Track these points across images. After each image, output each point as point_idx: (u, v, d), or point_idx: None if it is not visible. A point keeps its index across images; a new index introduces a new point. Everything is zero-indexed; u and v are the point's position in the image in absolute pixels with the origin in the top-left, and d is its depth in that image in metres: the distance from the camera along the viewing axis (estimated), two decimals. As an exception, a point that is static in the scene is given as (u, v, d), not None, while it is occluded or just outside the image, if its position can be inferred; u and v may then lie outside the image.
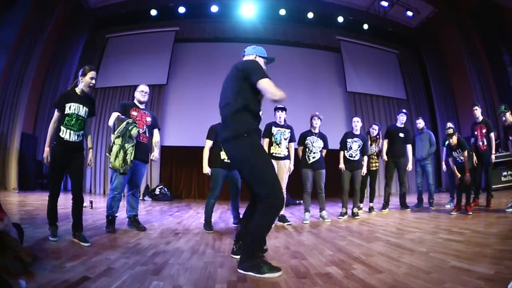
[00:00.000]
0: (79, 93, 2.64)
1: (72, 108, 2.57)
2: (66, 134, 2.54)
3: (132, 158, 2.98)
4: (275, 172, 2.04)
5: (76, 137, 2.59)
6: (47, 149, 2.53)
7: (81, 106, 2.61)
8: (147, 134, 3.32)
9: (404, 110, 5.23)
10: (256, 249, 1.93)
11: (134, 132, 2.98)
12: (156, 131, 3.49)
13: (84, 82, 2.62)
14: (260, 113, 2.11)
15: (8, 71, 6.67)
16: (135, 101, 3.36)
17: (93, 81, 2.65)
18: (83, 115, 2.64)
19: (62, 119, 2.55)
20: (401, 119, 5.05)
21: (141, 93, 3.35)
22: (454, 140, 4.30)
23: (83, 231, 2.56)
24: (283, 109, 3.93)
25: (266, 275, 1.78)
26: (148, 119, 3.36)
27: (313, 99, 8.70)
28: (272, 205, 1.88)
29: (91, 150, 2.85)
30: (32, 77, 7.09)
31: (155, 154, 3.42)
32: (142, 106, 3.37)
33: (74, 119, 2.57)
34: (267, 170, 1.94)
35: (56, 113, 2.57)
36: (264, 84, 1.89)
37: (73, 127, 2.56)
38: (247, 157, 1.94)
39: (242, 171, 2.05)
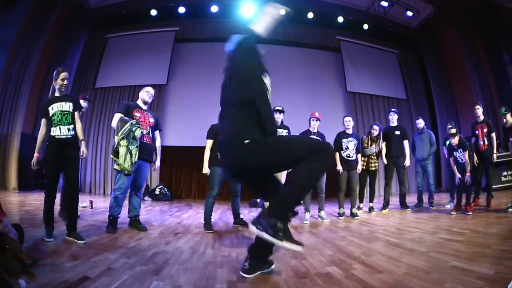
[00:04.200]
0: (58, 95, 2.67)
1: (54, 107, 2.60)
2: (56, 131, 2.55)
3: (136, 159, 3.00)
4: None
5: (66, 131, 2.59)
6: (36, 154, 2.58)
7: (63, 103, 2.63)
8: (150, 135, 3.34)
9: (393, 109, 5.36)
10: (290, 206, 1.62)
11: (138, 133, 2.99)
12: (158, 135, 3.50)
13: (58, 86, 2.66)
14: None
15: (8, 71, 6.67)
16: (139, 102, 3.37)
17: (65, 82, 2.66)
18: (68, 109, 2.64)
19: (49, 123, 2.59)
20: (392, 118, 5.13)
21: (148, 94, 3.37)
22: (456, 140, 4.30)
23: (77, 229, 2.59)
24: (281, 111, 4.03)
25: (285, 244, 1.51)
26: (151, 120, 3.38)
27: (313, 99, 8.70)
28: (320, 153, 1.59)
29: (83, 142, 2.79)
30: (32, 77, 7.09)
31: (157, 163, 3.44)
32: (145, 107, 3.38)
33: (59, 115, 2.59)
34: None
35: (42, 121, 2.63)
36: None
37: (61, 122, 2.58)
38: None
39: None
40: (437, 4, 8.50)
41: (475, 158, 4.65)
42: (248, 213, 4.98)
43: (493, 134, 4.57)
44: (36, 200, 5.11)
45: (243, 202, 4.89)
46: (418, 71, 9.93)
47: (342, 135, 4.40)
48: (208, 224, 3.33)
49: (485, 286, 1.50)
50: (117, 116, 3.07)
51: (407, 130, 5.66)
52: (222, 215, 4.68)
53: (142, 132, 3.12)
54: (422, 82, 9.83)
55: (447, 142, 4.95)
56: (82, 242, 2.43)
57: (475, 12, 7.70)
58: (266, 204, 2.83)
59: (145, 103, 3.37)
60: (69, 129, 2.60)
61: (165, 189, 7.64)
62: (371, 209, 4.73)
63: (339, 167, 4.26)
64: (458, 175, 4.32)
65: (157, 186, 7.72)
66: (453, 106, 9.00)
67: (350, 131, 4.41)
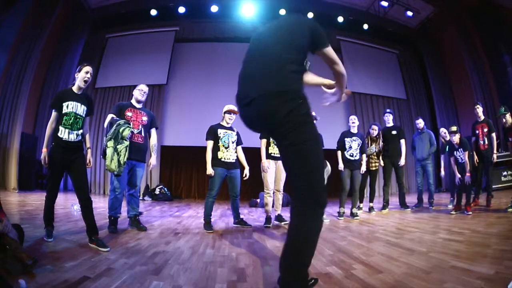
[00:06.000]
0: (76, 92, 2.58)
1: (70, 106, 2.51)
2: (65, 134, 2.48)
3: (125, 159, 2.90)
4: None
5: (75, 136, 2.52)
6: (44, 150, 2.50)
7: (79, 104, 2.55)
8: (142, 134, 3.30)
9: (388, 110, 5.34)
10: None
11: (126, 133, 2.92)
12: (153, 132, 3.44)
13: (79, 77, 2.56)
14: None
15: (8, 71, 6.67)
16: (133, 100, 3.35)
17: (88, 75, 2.58)
18: (82, 114, 2.58)
19: (60, 118, 2.49)
20: (388, 119, 5.13)
21: (140, 92, 3.35)
22: (456, 138, 4.29)
23: (99, 235, 2.43)
24: None
25: None
26: (144, 118, 3.34)
27: (313, 99, 8.71)
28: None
29: (89, 150, 2.80)
30: (32, 77, 7.08)
31: (152, 161, 3.36)
32: (139, 106, 3.35)
33: (72, 118, 2.51)
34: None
35: (53, 113, 2.52)
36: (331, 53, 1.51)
37: (71, 127, 2.50)
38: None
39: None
40: (437, 4, 8.50)
41: (475, 158, 4.65)
42: (248, 213, 4.98)
43: (493, 134, 4.58)
44: (36, 200, 5.11)
45: (243, 202, 4.90)
46: (418, 71, 9.93)
47: (347, 134, 4.39)
48: (208, 224, 3.33)
49: (485, 286, 1.50)
50: (109, 117, 3.06)
51: (404, 129, 5.66)
52: (222, 215, 4.68)
53: (132, 132, 3.05)
54: (422, 82, 9.83)
55: (446, 148, 4.94)
56: (106, 250, 2.26)
57: (475, 12, 7.70)
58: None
59: (138, 101, 3.34)
60: (77, 135, 2.55)
61: (165, 189, 7.64)
62: (371, 209, 4.73)
63: (341, 165, 4.26)
64: (458, 175, 4.32)
65: (157, 186, 7.72)
66: (453, 106, 9.00)
67: (355, 130, 4.39)
